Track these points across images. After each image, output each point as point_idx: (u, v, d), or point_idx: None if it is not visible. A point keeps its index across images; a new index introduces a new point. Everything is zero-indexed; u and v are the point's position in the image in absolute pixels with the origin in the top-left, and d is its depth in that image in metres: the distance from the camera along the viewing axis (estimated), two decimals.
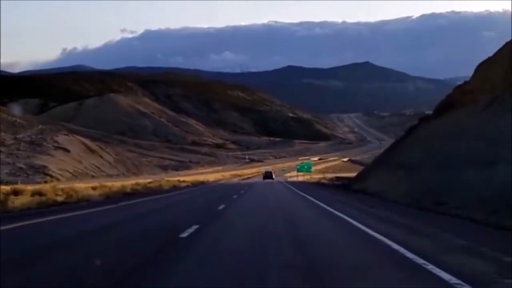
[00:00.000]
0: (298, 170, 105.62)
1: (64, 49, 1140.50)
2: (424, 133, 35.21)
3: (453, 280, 6.30)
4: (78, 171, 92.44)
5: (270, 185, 55.10)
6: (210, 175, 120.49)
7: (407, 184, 25.73)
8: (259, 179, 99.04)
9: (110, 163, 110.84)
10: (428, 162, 26.45)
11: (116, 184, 55.01)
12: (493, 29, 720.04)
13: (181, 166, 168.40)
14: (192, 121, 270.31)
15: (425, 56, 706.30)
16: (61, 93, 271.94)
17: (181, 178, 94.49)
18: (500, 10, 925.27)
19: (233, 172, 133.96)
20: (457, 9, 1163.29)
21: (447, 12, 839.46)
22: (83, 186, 41.29)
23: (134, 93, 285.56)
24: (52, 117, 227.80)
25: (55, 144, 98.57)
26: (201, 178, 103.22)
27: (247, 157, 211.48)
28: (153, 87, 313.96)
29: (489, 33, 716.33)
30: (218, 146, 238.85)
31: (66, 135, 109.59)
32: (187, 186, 60.68)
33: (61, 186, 37.76)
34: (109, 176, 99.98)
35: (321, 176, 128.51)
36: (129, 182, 64.68)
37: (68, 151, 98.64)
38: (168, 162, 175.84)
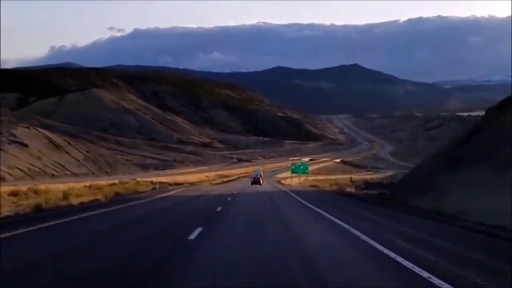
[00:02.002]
0: (293, 171, 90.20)
1: (53, 47, 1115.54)
2: None
3: None
4: (34, 170, 76.72)
5: (265, 199, 31.73)
6: (192, 175, 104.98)
7: None
8: (247, 182, 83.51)
9: (78, 160, 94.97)
10: None
11: (53, 187, 39.44)
12: (479, 34, 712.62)
13: (164, 165, 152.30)
14: (178, 119, 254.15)
15: (413, 59, 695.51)
16: (42, 88, 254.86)
17: (157, 179, 78.74)
18: (486, 16, 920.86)
19: (219, 172, 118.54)
20: (443, 14, 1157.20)
21: (434, 17, 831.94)
22: None
23: (119, 89, 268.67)
24: (31, 112, 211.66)
25: (11, 138, 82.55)
26: (181, 178, 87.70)
27: (234, 156, 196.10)
28: (140, 83, 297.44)
29: (475, 37, 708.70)
30: (205, 145, 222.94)
31: (27, 127, 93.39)
32: (146, 193, 45.03)
33: None
34: (74, 175, 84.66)
35: (320, 178, 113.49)
36: (80, 185, 48.86)
37: (26, 146, 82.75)
38: (149, 161, 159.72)
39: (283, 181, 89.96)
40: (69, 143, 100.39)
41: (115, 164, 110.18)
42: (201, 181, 75.94)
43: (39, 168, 78.97)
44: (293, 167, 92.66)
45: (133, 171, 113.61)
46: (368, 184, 65.04)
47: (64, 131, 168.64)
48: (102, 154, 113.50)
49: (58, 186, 43.34)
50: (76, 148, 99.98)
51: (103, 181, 57.97)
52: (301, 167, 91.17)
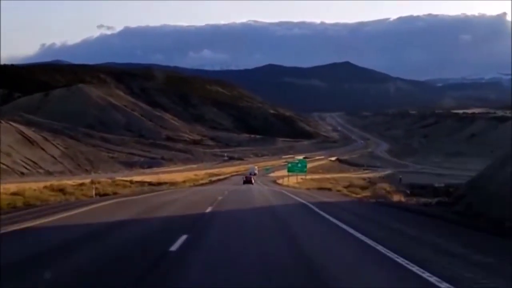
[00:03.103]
0: (290, 170, 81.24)
1: (43, 45, 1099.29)
2: None
3: None
4: (1, 167, 67.55)
5: (271, 225, 16.35)
6: (180, 174, 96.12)
7: None
8: (239, 182, 74.63)
9: (54, 157, 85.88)
10: None
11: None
12: (470, 32, 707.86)
13: (152, 163, 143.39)
14: (168, 116, 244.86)
15: (404, 57, 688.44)
16: (28, 83, 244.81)
17: (139, 178, 69.84)
18: (476, 14, 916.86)
19: (209, 171, 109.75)
20: (434, 12, 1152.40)
21: (424, 15, 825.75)
22: None
23: (107, 86, 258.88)
24: (16, 108, 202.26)
25: None
26: (167, 177, 78.89)
27: (226, 154, 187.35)
28: (129, 80, 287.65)
29: (466, 36, 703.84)
30: (195, 142, 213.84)
31: None
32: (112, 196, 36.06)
33: None
34: (48, 173, 75.80)
35: (317, 177, 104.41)
36: (40, 185, 39.98)
37: None
38: (137, 159, 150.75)
39: (278, 181, 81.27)
40: (45, 139, 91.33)
41: (97, 162, 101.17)
42: (184, 181, 66.80)
43: (7, 166, 70.04)
44: (289, 165, 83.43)
45: (116, 169, 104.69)
46: (413, 188, 53.22)
47: (48, 127, 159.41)
48: (82, 151, 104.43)
49: (9, 187, 34.40)
50: (53, 144, 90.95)
51: (72, 181, 48.93)
52: (299, 165, 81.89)
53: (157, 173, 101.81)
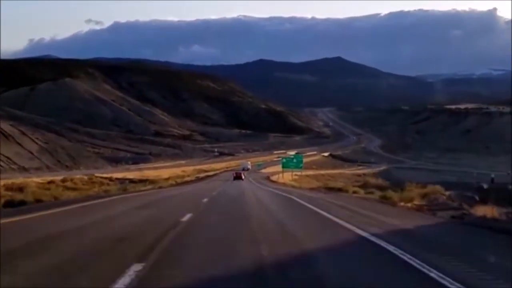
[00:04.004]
0: (284, 166, 75.36)
1: (31, 40, 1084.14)
2: None
3: None
4: None
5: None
6: (168, 170, 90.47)
7: None
8: (228, 179, 68.95)
9: (31, 153, 79.91)
10: None
11: None
12: (460, 28, 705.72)
13: (139, 159, 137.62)
14: (157, 111, 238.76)
15: (395, 53, 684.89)
16: (14, 78, 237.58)
17: (120, 175, 64.21)
18: (467, 9, 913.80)
19: (198, 167, 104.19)
20: (425, 8, 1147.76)
21: (415, 10, 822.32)
22: None
23: (94, 80, 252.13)
24: (1, 102, 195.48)
25: None
26: (153, 174, 73.30)
27: (216, 150, 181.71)
28: (117, 74, 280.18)
29: (457, 31, 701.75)
30: (185, 137, 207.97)
31: None
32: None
33: None
34: (23, 170, 69.90)
35: (310, 173, 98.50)
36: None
37: None
38: (123, 154, 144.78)
39: (272, 178, 75.39)
40: (23, 133, 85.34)
41: (79, 157, 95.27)
42: (168, 178, 60.99)
43: None
44: (284, 160, 77.26)
45: (100, 165, 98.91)
46: (482, 192, 39.13)
47: (32, 122, 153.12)
48: (64, 146, 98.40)
49: None
50: (31, 139, 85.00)
51: (41, 179, 43.18)
52: (294, 160, 75.70)
53: (142, 169, 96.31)
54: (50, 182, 39.07)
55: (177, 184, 54.10)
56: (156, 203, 22.30)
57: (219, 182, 60.76)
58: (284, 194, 32.26)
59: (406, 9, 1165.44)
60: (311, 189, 48.04)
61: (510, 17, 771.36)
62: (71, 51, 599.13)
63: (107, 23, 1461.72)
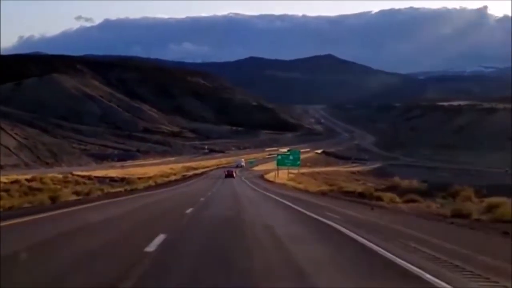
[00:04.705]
0: (279, 163, 69.77)
1: (21, 37, 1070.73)
2: None
3: None
4: None
5: None
6: (155, 167, 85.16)
7: None
8: (218, 179, 63.48)
9: (8, 149, 74.29)
10: None
11: None
12: (450, 26, 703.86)
13: (126, 156, 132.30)
14: (146, 107, 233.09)
15: (386, 50, 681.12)
16: (0, 74, 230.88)
17: (102, 173, 58.85)
18: (457, 7, 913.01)
19: (187, 164, 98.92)
20: (415, 5, 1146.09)
21: (406, 8, 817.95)
22: None
23: (82, 75, 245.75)
24: None
25: None
26: (138, 171, 68.01)
27: (206, 147, 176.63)
28: (106, 70, 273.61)
29: (447, 29, 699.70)
30: (174, 134, 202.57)
31: None
32: None
33: None
34: None
35: (304, 170, 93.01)
36: None
37: None
38: (111, 151, 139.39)
39: (267, 176, 69.98)
40: (0, 128, 79.70)
41: (62, 154, 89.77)
42: (150, 177, 55.42)
43: None
44: (279, 157, 71.36)
45: (84, 162, 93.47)
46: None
47: (15, 117, 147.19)
48: (45, 142, 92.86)
49: None
50: (9, 134, 79.41)
51: (5, 178, 37.77)
52: (290, 157, 69.57)
53: (128, 166, 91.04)
54: (14, 182, 33.68)
55: (156, 186, 46.80)
56: (92, 231, 12.30)
57: (208, 182, 54.87)
58: (299, 207, 20.75)
59: (397, 7, 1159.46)
60: (322, 193, 38.19)
61: (500, 15, 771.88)
62: (61, 48, 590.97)
63: (97, 21, 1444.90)
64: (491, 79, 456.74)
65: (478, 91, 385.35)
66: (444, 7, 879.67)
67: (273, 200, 27.87)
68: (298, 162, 69.59)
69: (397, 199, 25.99)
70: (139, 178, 50.41)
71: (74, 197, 26.47)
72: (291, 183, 53.33)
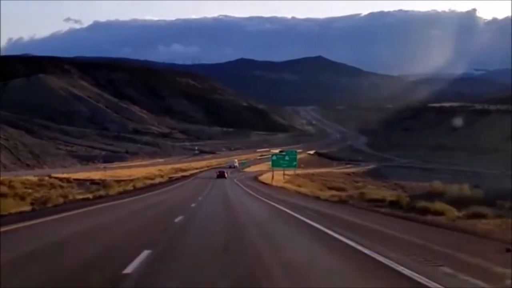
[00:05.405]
0: (274, 164, 65.15)
1: (10, 39, 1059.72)
2: None
3: None
4: None
5: None
6: (143, 169, 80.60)
7: None
8: (208, 183, 58.46)
9: None
10: None
11: None
12: (440, 28, 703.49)
13: (114, 157, 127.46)
14: (135, 108, 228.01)
15: (376, 52, 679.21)
16: None
17: (84, 175, 54.24)
18: (447, 10, 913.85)
19: (177, 166, 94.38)
20: (405, 8, 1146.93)
21: (395, 11, 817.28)
22: None
23: (70, 76, 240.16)
24: None
25: None
26: (125, 173, 63.49)
27: (196, 148, 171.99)
28: (94, 71, 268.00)
29: (437, 31, 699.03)
30: (164, 135, 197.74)
31: None
32: None
33: None
34: None
35: (299, 172, 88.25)
36: None
37: None
38: (98, 152, 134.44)
39: (262, 179, 65.38)
40: None
41: (45, 155, 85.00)
42: (131, 180, 50.39)
43: None
44: (274, 157, 66.51)
45: (69, 163, 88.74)
46: None
47: (2, 118, 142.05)
48: (27, 143, 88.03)
49: None
50: None
51: None
52: (286, 157, 65.07)
53: (117, 168, 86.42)
54: None
55: (134, 191, 40.47)
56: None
57: (196, 186, 49.47)
58: (340, 235, 12.86)
59: (386, 9, 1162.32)
60: (341, 200, 28.46)
61: (489, 18, 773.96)
62: (50, 50, 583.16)
63: (86, 22, 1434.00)
64: (481, 81, 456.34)
65: (468, 93, 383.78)
66: (433, 10, 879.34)
67: (286, 216, 19.27)
68: (295, 163, 65.16)
69: (455, 212, 17.22)
70: (117, 181, 45.19)
71: (26, 208, 20.38)
72: (290, 186, 48.34)
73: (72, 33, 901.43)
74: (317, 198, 31.68)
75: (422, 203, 18.47)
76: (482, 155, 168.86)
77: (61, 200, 24.11)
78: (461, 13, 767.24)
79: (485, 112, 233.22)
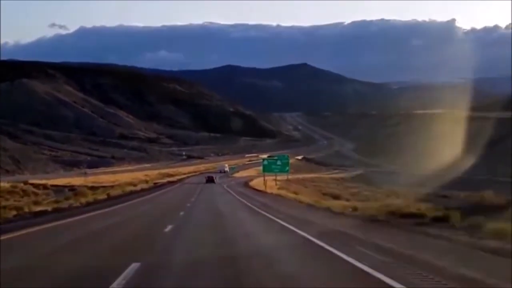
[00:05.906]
0: (266, 170, 61.56)
1: None
2: None
3: None
4: None
5: None
6: (128, 174, 76.71)
7: None
8: (195, 188, 55.03)
9: None
10: None
11: None
12: (421, 37, 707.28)
13: (99, 162, 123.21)
14: (122, 113, 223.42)
15: (359, 60, 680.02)
16: None
17: (63, 181, 50.30)
18: (427, 20, 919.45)
19: (164, 171, 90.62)
20: (386, 17, 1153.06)
21: (377, 20, 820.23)
22: None
23: (54, 80, 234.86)
24: None
25: None
26: (108, 179, 59.53)
27: (184, 153, 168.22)
28: (80, 75, 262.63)
29: (418, 40, 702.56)
30: (151, 140, 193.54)
31: None
32: None
33: None
34: None
35: (290, 177, 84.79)
36: None
37: None
38: (83, 157, 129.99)
39: (253, 184, 61.96)
40: None
41: (26, 161, 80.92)
42: (112, 187, 46.46)
43: None
44: (265, 162, 62.96)
45: (52, 169, 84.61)
46: None
47: None
48: (7, 148, 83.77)
49: None
50: None
51: None
52: (278, 162, 61.66)
53: (102, 173, 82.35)
54: None
55: (106, 200, 34.73)
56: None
57: (182, 194, 45.48)
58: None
59: (368, 18, 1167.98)
60: (372, 219, 17.00)
61: (468, 28, 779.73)
62: (35, 55, 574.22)
63: (72, 28, 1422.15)
64: (461, 90, 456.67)
65: (450, 100, 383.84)
66: (414, 19, 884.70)
67: (326, 260, 9.96)
68: (287, 168, 61.71)
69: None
70: (92, 188, 40.95)
71: None
72: (285, 193, 44.44)
73: (58, 38, 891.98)
74: (328, 209, 23.64)
75: (492, 224, 11.51)
76: (469, 161, 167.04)
77: (13, 213, 19.03)
78: (441, 23, 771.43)
79: (468, 119, 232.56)
